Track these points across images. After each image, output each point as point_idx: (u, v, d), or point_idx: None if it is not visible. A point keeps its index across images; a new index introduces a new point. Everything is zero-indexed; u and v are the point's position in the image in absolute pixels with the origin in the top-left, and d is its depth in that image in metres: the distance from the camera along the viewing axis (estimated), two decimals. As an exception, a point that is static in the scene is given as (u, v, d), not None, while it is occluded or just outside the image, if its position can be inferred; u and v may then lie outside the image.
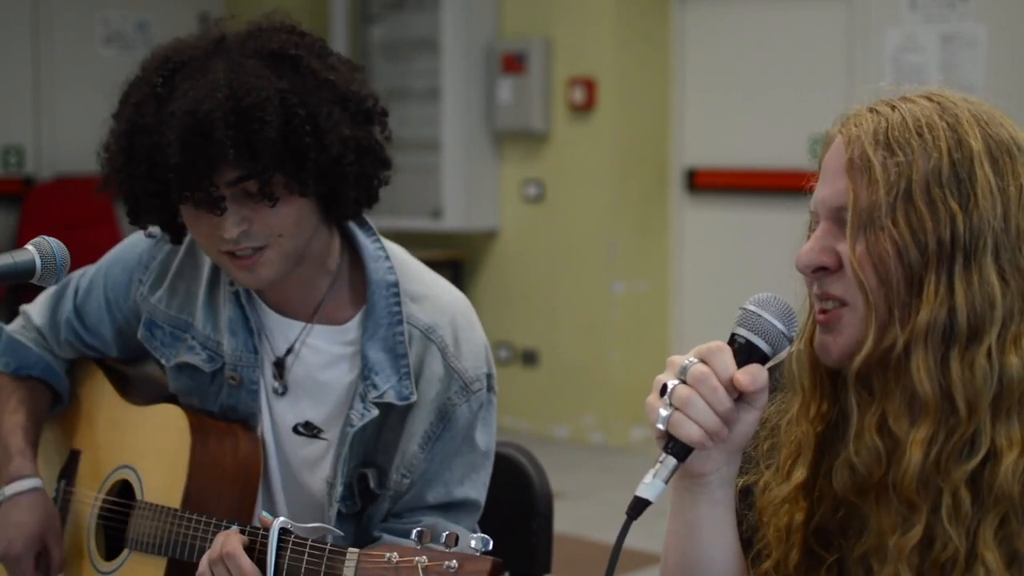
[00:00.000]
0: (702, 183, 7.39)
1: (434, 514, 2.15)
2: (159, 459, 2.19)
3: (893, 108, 1.50)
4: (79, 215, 7.80)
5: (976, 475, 1.44)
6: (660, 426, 1.46)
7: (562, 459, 6.68)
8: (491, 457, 2.21)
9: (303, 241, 2.09)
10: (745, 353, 1.48)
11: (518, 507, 2.40)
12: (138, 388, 2.34)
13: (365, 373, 2.12)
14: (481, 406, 2.17)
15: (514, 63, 7.51)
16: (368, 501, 2.17)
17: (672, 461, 1.46)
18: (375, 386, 2.11)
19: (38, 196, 7.90)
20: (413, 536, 1.70)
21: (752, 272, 7.05)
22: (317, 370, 2.17)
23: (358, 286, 2.18)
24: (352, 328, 2.16)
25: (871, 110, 1.51)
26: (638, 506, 1.45)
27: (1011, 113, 1.54)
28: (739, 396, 1.47)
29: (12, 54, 7.90)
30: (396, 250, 2.22)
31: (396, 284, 2.15)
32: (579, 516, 5.71)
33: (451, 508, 2.16)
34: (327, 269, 2.17)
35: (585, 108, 7.35)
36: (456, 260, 7.74)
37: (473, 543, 1.67)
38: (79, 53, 8.08)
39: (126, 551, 2.19)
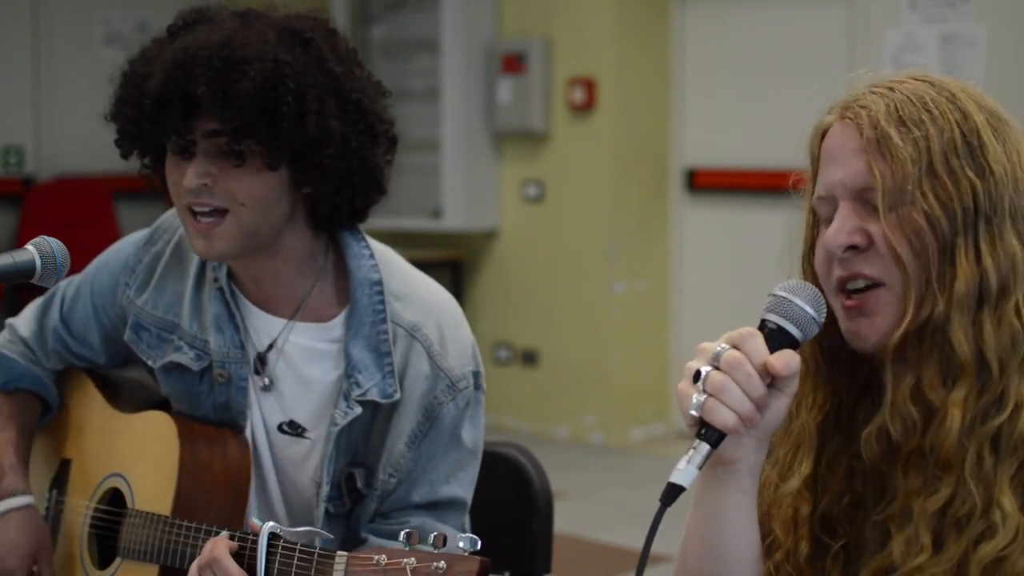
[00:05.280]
0: (702, 183, 7.39)
1: (420, 513, 2.14)
2: (148, 466, 2.18)
3: (892, 89, 1.55)
4: (79, 215, 7.80)
5: (999, 431, 1.48)
6: (693, 412, 1.47)
7: (562, 459, 6.68)
8: (478, 455, 2.20)
9: (266, 223, 2.06)
10: (776, 339, 1.48)
11: (518, 507, 2.40)
12: (127, 396, 2.32)
13: (348, 371, 2.11)
14: (468, 404, 2.15)
15: (514, 63, 7.51)
16: (356, 501, 2.16)
17: (705, 447, 1.46)
18: (358, 384, 2.10)
19: (38, 196, 7.91)
20: (401, 538, 1.70)
21: (752, 272, 7.04)
22: (301, 367, 2.16)
23: (343, 284, 2.16)
24: (337, 326, 2.15)
25: (872, 93, 1.56)
26: (672, 492, 1.45)
27: (1011, 113, 1.57)
28: (770, 382, 1.48)
29: (12, 54, 7.91)
30: (383, 249, 2.20)
31: (380, 282, 2.13)
32: (579, 516, 5.72)
33: (437, 507, 2.15)
34: (309, 269, 2.16)
35: (585, 108, 7.35)
36: (456, 260, 7.74)
37: (461, 543, 1.67)
38: (79, 53, 8.08)
39: (118, 559, 2.18)
